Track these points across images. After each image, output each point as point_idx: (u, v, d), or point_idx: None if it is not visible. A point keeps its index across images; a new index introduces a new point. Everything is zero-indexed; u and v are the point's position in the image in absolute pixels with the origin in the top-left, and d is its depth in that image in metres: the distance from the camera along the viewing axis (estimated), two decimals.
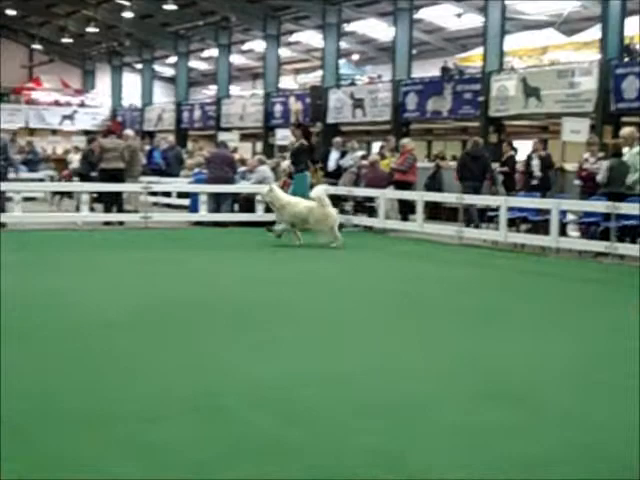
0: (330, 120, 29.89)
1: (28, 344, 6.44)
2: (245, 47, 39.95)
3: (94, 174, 18.54)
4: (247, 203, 18.43)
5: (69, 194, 20.19)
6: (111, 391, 5.20)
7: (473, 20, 30.44)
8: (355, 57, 37.72)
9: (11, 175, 18.11)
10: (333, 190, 18.21)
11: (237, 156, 21.97)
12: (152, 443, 4.26)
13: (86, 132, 38.14)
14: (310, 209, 13.71)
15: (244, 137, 34.45)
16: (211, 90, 43.25)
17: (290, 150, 16.47)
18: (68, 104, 44.60)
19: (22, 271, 10.39)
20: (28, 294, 8.66)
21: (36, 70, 47.09)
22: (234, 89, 40.36)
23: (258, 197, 17.65)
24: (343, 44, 33.44)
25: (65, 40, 44.12)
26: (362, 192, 18.09)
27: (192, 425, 4.56)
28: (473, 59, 28.45)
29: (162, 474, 3.88)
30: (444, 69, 28.65)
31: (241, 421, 4.67)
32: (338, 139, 20.86)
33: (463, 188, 16.84)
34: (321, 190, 14.05)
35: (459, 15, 31.68)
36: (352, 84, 31.34)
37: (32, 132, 41.10)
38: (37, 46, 46.02)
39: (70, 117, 43.54)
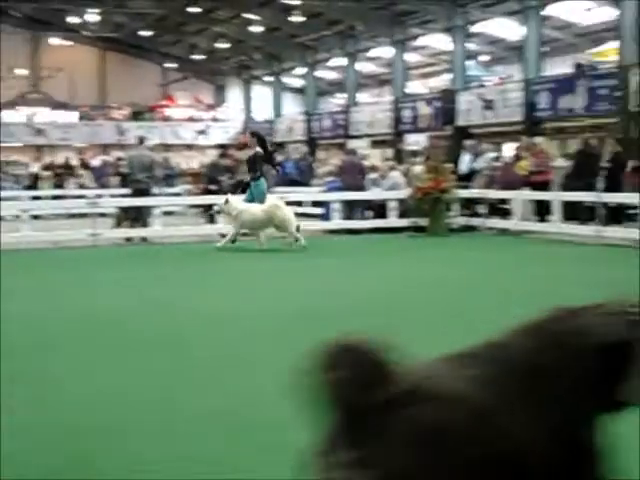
0: (460, 123, 29.59)
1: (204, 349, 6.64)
2: (371, 54, 40.01)
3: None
4: (380, 209, 18.46)
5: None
6: None
7: (604, 13, 29.57)
8: (484, 58, 37.20)
9: (155, 191, 18.67)
10: (467, 193, 18.09)
11: (367, 163, 22.00)
12: None
13: (220, 146, 39.02)
14: (267, 213, 14.53)
15: (374, 144, 34.51)
16: (339, 99, 43.53)
17: (246, 159, 16.82)
18: (201, 119, 45.79)
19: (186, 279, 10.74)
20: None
21: (170, 88, 48.54)
22: (362, 96, 40.49)
23: (391, 203, 17.69)
24: (471, 45, 33.06)
25: (196, 57, 45.37)
26: (496, 194, 17.83)
27: None
28: (607, 54, 27.60)
29: None
30: (578, 65, 27.92)
31: None
32: (469, 142, 20.65)
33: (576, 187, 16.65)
34: (275, 198, 15.00)
35: (589, 9, 30.85)
36: (481, 86, 30.95)
37: (167, 148, 42.36)
38: (170, 64, 47.51)
39: (203, 132, 44.68)
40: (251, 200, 15.21)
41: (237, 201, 14.90)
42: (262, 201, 15.06)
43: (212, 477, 3.97)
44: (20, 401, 5.30)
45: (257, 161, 15.41)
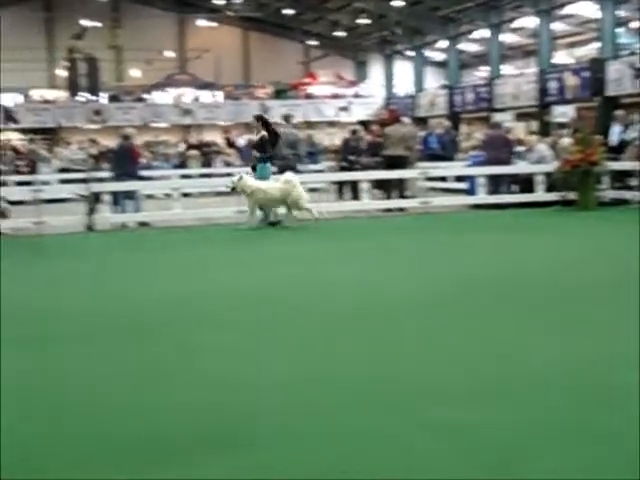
0: (609, 93, 28.58)
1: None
2: (516, 25, 39.08)
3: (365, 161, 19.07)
4: (526, 183, 18.08)
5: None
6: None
7: None
8: (634, 25, 35.68)
9: (299, 167, 18.89)
10: (617, 165, 17.47)
11: (511, 136, 21.55)
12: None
13: (361, 122, 39.10)
14: (282, 190, 14.54)
15: (518, 117, 33.78)
16: (482, 71, 42.79)
17: (253, 143, 16.49)
18: (343, 96, 45.96)
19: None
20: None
21: (312, 65, 48.89)
22: (506, 68, 39.67)
23: (538, 177, 17.30)
24: (621, 12, 31.79)
25: (338, 34, 45.49)
26: None
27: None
28: None
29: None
30: None
31: None
32: (620, 112, 19.92)
33: None
34: (290, 175, 14.94)
35: None
36: (632, 54, 29.74)
37: (310, 125, 42.73)
38: (312, 42, 47.84)
39: (345, 108, 44.83)
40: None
41: (250, 179, 14.98)
42: None
43: None
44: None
45: (264, 144, 15.56)
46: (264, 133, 15.57)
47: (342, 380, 5.19)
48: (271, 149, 15.63)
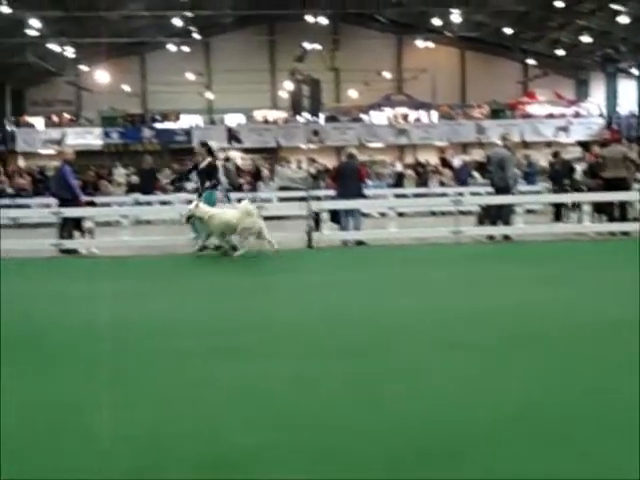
0: None
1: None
2: None
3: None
4: None
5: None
6: None
7: None
8: None
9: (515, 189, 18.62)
10: None
11: None
12: None
13: (580, 143, 37.98)
14: (239, 218, 14.21)
15: None
16: None
17: (200, 169, 15.58)
18: (562, 115, 44.79)
19: None
20: None
21: (530, 84, 48.00)
22: None
23: None
24: None
25: (558, 52, 44.41)
26: None
27: None
28: None
29: None
30: None
31: None
32: None
33: None
34: (246, 203, 14.76)
35: None
36: None
37: (527, 145, 41.92)
38: (531, 61, 46.99)
39: (565, 128, 43.63)
40: None
41: (205, 206, 14.56)
42: None
43: None
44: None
45: (211, 171, 15.31)
46: (210, 160, 15.49)
47: None
48: (217, 176, 15.50)
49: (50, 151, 40.67)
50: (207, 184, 15.32)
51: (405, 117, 44.40)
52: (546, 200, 21.73)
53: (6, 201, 20.98)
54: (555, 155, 20.93)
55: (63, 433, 4.84)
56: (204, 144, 16.25)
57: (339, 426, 4.84)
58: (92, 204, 19.29)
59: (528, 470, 4.13)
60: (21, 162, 41.33)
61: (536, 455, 4.31)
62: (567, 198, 18.76)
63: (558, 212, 19.64)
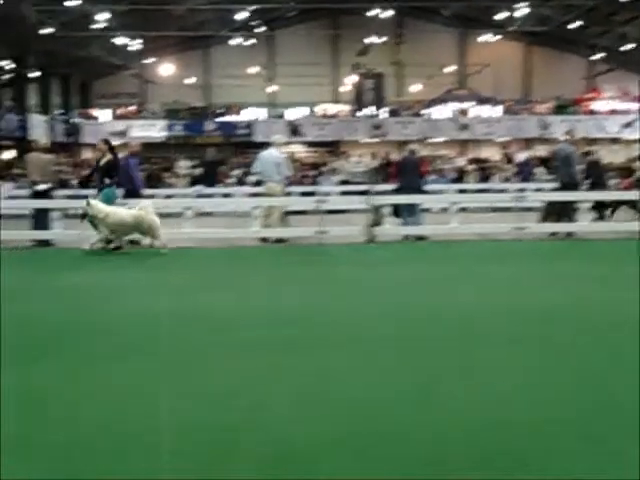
0: None
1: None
2: None
3: None
4: None
5: (627, 203, 19.71)
6: None
7: None
8: None
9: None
10: None
11: None
12: None
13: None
14: (135, 217, 14.05)
15: None
16: None
17: (99, 166, 15.18)
18: (627, 112, 44.04)
19: None
20: None
21: (596, 80, 47.29)
22: None
23: None
24: None
25: (625, 47, 43.66)
26: None
27: None
28: None
29: None
30: None
31: None
32: None
33: None
34: (146, 202, 14.64)
35: None
36: None
37: (591, 142, 41.34)
38: (596, 56, 46.27)
39: (630, 125, 42.91)
40: None
41: (100, 204, 14.21)
42: None
43: None
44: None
45: (110, 168, 15.05)
46: (110, 157, 15.29)
47: None
48: (116, 174, 15.24)
49: (115, 143, 41.22)
50: (106, 181, 15.14)
51: (465, 112, 44.06)
52: (610, 197, 21.39)
53: (69, 192, 21.33)
54: (586, 154, 20.50)
55: (129, 420, 4.94)
56: (106, 141, 16.17)
57: (402, 423, 4.85)
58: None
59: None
60: (86, 154, 42.03)
61: (611, 461, 4.28)
62: (631, 195, 18.44)
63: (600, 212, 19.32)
